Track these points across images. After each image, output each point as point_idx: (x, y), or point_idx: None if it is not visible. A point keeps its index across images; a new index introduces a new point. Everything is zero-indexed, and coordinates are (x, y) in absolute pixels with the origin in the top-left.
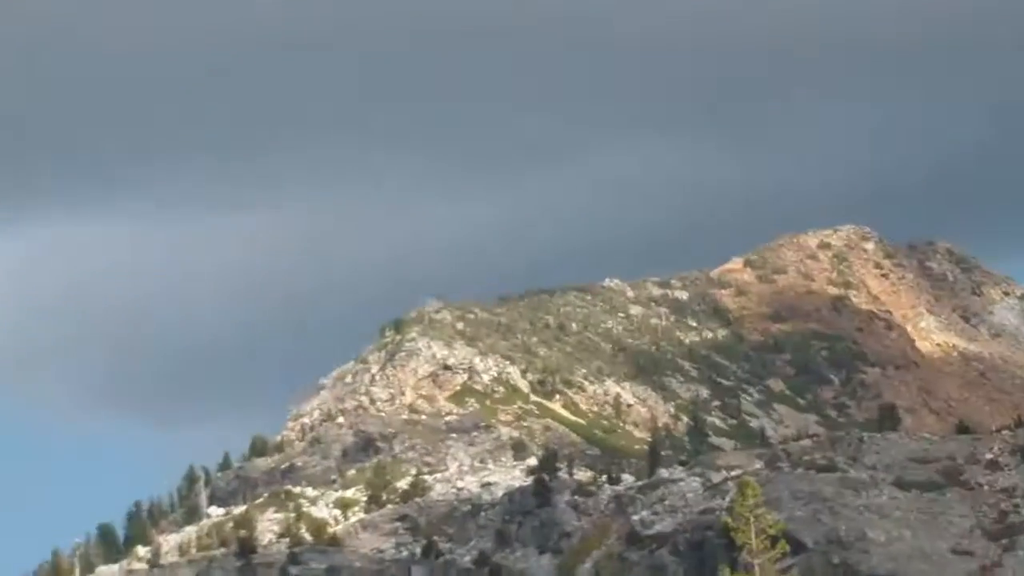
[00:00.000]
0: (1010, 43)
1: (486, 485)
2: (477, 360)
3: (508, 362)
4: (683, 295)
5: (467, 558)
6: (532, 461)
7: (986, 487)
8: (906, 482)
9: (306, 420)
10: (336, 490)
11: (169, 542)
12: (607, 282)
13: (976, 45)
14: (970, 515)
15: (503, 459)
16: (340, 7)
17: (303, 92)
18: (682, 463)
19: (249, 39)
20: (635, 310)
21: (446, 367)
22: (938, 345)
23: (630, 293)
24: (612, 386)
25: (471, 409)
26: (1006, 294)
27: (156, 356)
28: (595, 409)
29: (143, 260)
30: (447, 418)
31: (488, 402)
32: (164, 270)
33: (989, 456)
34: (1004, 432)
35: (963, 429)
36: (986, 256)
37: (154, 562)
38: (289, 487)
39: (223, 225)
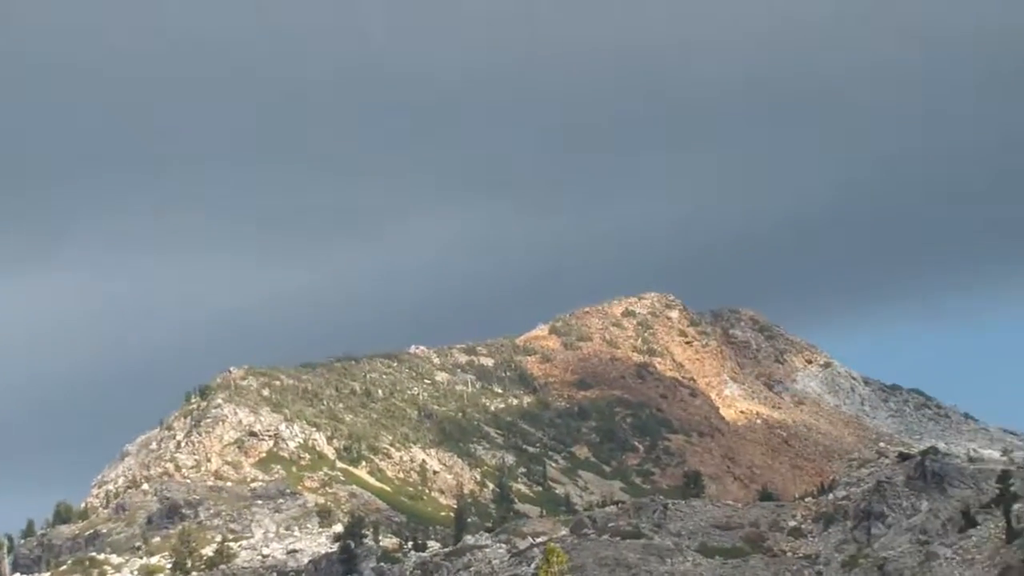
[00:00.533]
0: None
1: (292, 552)
2: (283, 426)
3: (314, 428)
4: (489, 362)
5: None
6: (338, 528)
7: (789, 553)
8: (710, 548)
9: (110, 487)
10: (141, 557)
11: None
12: (413, 349)
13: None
14: None
15: (309, 526)
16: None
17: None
18: (488, 530)
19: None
20: (441, 377)
21: (252, 433)
22: (742, 412)
23: (436, 360)
24: (418, 453)
25: (277, 476)
26: (809, 362)
27: None
28: (401, 476)
29: None
30: (253, 484)
31: (294, 468)
32: None
33: (792, 523)
34: (807, 499)
35: (766, 496)
36: (789, 324)
37: None
38: (93, 554)
39: (17, 286)
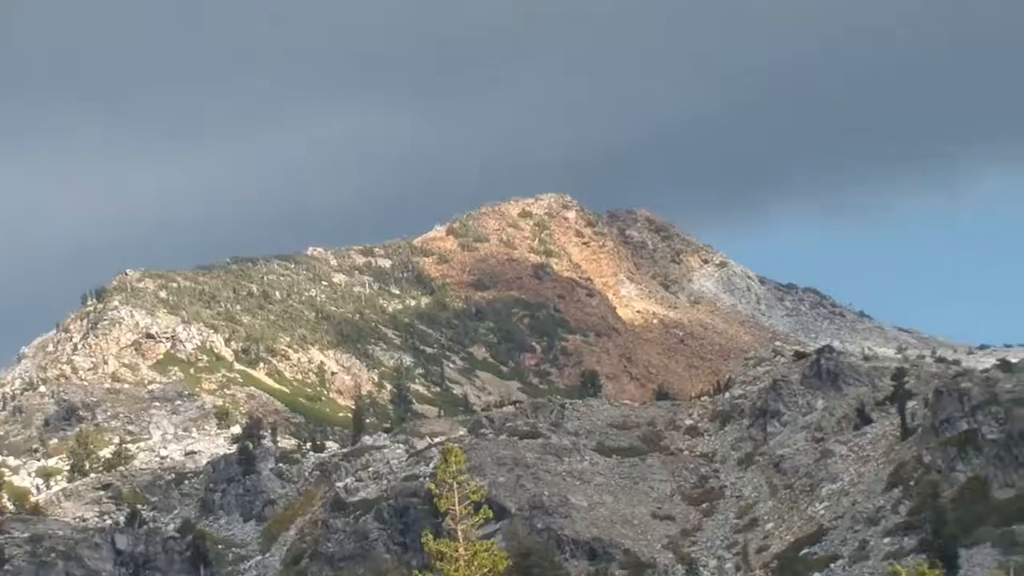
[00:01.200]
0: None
1: (190, 453)
2: (180, 329)
3: (212, 330)
4: (386, 263)
5: (171, 526)
6: (236, 429)
7: (686, 452)
8: (607, 448)
9: (7, 389)
10: (38, 459)
11: None
12: (310, 250)
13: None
14: (670, 480)
15: (207, 427)
16: None
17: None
18: (386, 430)
19: None
20: (338, 278)
21: (149, 335)
22: (638, 312)
23: (333, 262)
24: (316, 354)
25: (174, 378)
26: (705, 262)
27: None
28: (299, 377)
29: None
30: (150, 386)
31: (192, 370)
32: None
33: (689, 422)
34: (703, 398)
35: (663, 395)
36: (685, 224)
37: None
38: None
39: None
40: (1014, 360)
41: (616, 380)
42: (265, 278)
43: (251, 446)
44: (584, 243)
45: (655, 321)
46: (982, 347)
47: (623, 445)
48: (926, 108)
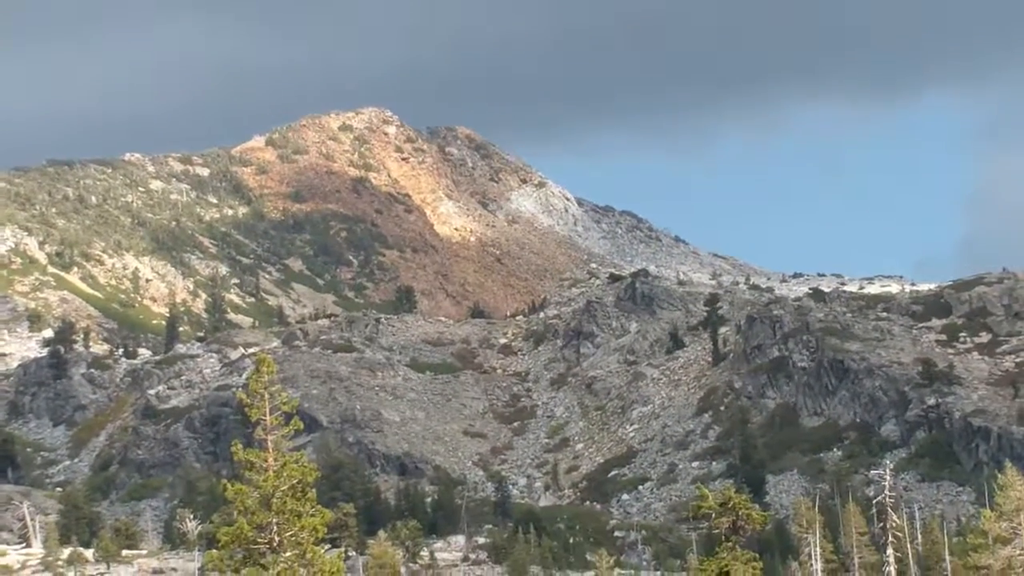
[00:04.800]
0: None
1: (0, 356)
2: None
3: (26, 233)
4: (204, 172)
5: None
6: (48, 333)
7: (499, 370)
8: (421, 364)
9: None
10: None
11: None
12: (128, 156)
13: None
14: (483, 398)
15: (18, 330)
16: None
17: None
18: (200, 339)
19: None
20: (156, 185)
21: None
22: (456, 230)
23: (151, 168)
24: (131, 260)
25: None
26: (524, 181)
27: None
28: (113, 283)
29: None
30: None
31: (4, 272)
32: None
33: (503, 340)
34: (518, 317)
35: (478, 313)
36: (505, 144)
37: None
38: None
39: None
40: (826, 289)
41: (432, 297)
42: (82, 182)
43: (63, 350)
44: (404, 159)
45: (472, 239)
46: (796, 275)
47: (437, 361)
48: (747, 41)
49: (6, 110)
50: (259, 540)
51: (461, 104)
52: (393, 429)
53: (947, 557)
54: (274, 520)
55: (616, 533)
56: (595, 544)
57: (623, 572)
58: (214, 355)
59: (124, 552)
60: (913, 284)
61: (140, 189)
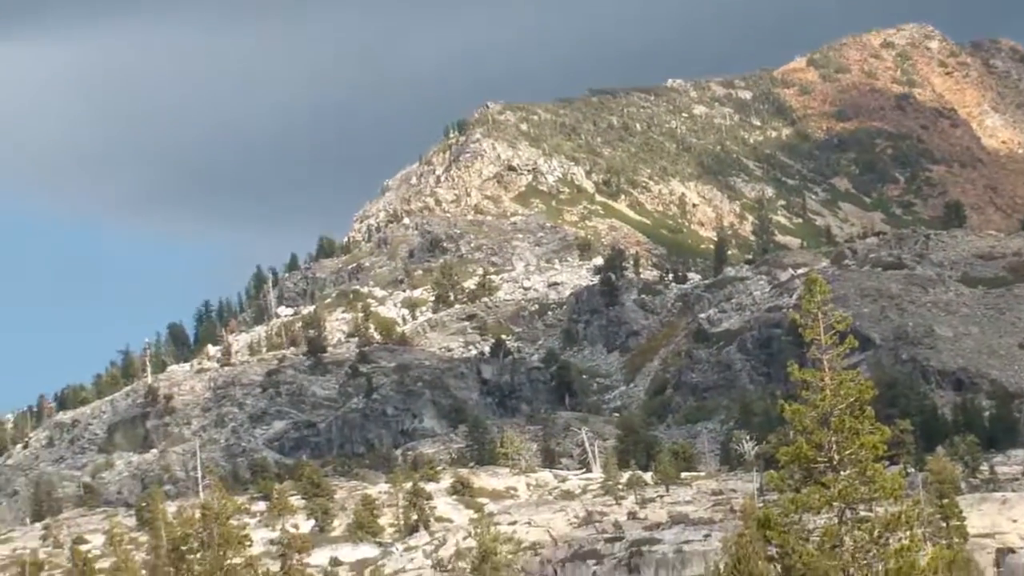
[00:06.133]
0: None
1: (553, 285)
2: (541, 161)
3: (573, 163)
4: (746, 95)
5: (535, 356)
6: (598, 261)
7: None
8: (973, 278)
9: (372, 221)
10: (403, 290)
11: (239, 342)
12: (670, 82)
13: None
14: None
15: (569, 259)
16: None
17: None
18: (748, 262)
19: None
20: (699, 110)
21: (510, 168)
22: (1003, 142)
23: (693, 93)
24: (677, 186)
25: (536, 210)
26: None
27: (213, 159)
28: (660, 209)
29: (189, 64)
30: (512, 219)
31: (553, 203)
32: (221, 73)
33: None
34: None
35: None
36: None
37: (224, 361)
38: (357, 287)
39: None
40: None
41: (981, 211)
42: (625, 110)
43: (614, 277)
44: (947, 73)
45: (1021, 151)
46: None
47: (988, 276)
48: None
49: (547, 41)
50: (818, 459)
51: (1004, 16)
52: (947, 345)
53: None
54: (832, 438)
55: None
56: None
57: None
58: (763, 277)
59: (682, 475)
60: None
61: (683, 115)
